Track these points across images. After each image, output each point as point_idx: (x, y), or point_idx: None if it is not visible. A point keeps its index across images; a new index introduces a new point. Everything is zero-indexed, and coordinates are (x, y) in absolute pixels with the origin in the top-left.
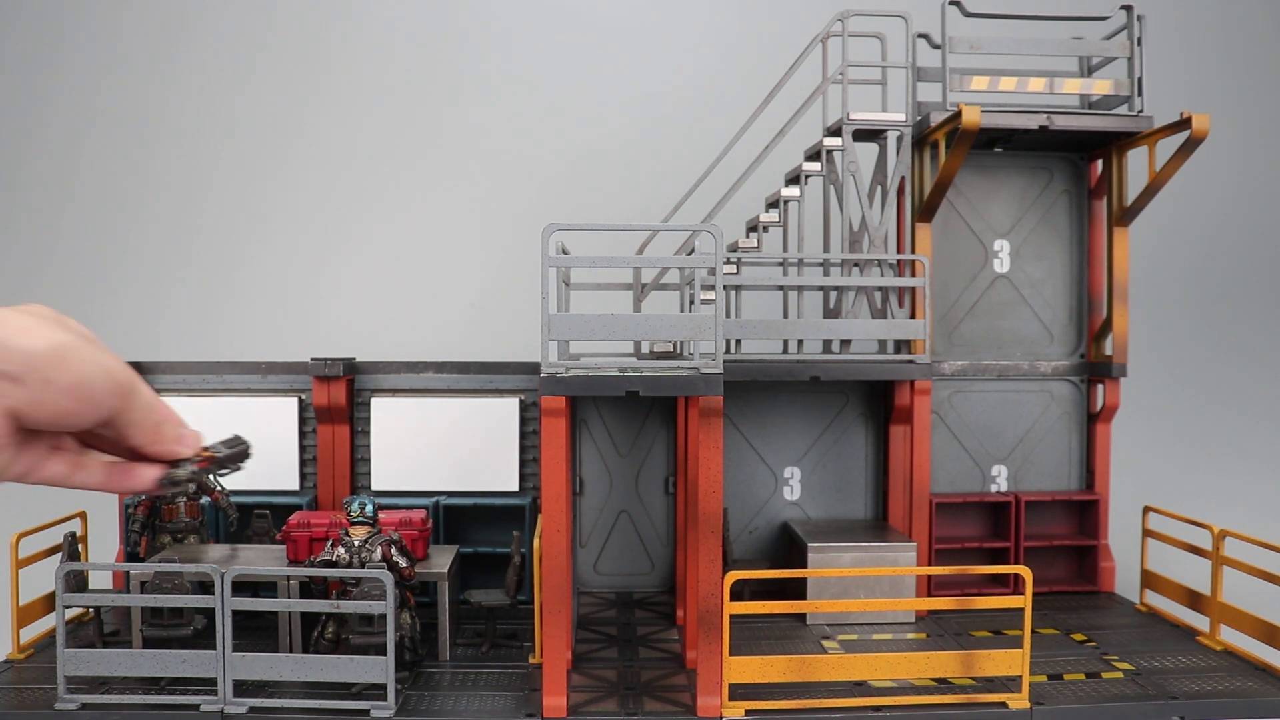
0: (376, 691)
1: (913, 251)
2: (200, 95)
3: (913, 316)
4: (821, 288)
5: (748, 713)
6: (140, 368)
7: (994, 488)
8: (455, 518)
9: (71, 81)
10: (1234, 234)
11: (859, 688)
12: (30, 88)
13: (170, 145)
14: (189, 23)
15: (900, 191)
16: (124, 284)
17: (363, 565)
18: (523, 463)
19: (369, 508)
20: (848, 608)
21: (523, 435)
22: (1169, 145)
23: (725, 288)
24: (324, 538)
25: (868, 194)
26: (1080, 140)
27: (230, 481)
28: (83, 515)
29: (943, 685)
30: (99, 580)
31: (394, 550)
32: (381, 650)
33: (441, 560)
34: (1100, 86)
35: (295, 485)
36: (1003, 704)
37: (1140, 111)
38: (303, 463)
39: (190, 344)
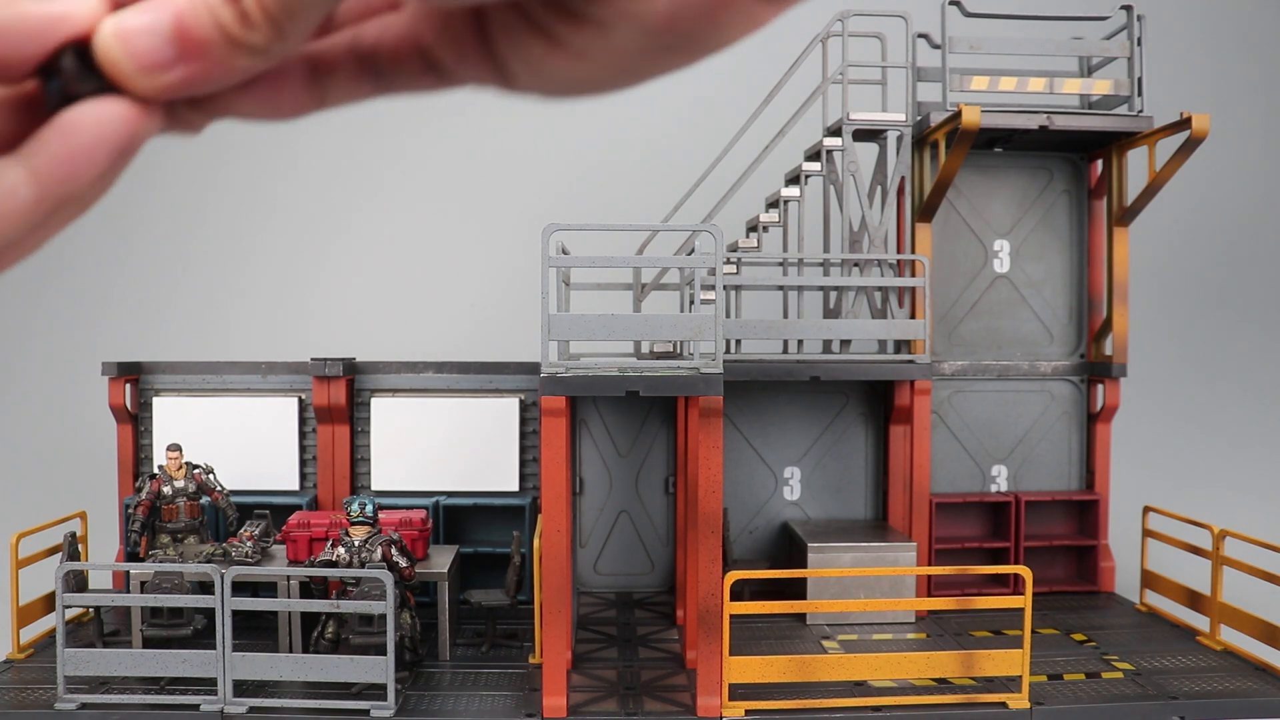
0: (376, 691)
1: (913, 251)
2: None
3: (913, 316)
4: (821, 288)
5: (748, 712)
6: (142, 368)
7: (994, 488)
8: (455, 518)
9: None
10: (1234, 234)
11: (859, 688)
12: None
13: (173, 148)
14: None
15: (900, 191)
16: (127, 285)
17: (363, 565)
18: (523, 463)
19: (369, 508)
20: (848, 608)
21: (523, 435)
22: (1169, 145)
23: (725, 288)
24: (324, 538)
25: (868, 194)
26: (1080, 140)
27: (230, 481)
28: (83, 515)
29: (943, 685)
30: (99, 580)
31: (394, 550)
32: (381, 650)
33: (441, 560)
34: (1100, 86)
35: (295, 485)
36: (1003, 704)
37: (1140, 111)
38: (303, 463)
39: (192, 344)
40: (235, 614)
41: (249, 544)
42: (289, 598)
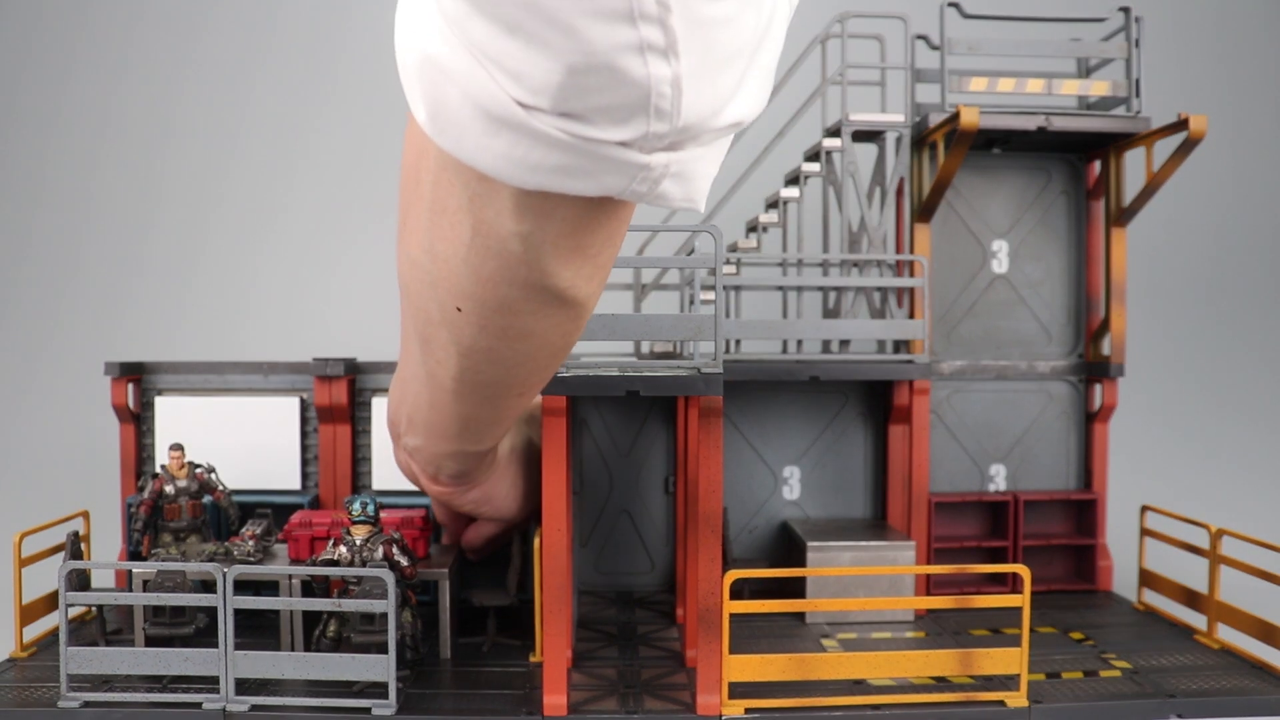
0: (378, 689)
1: (911, 252)
2: (208, 100)
3: (911, 316)
4: (821, 288)
5: (747, 711)
6: (144, 368)
7: (992, 487)
8: None
9: (83, 90)
10: (1231, 234)
11: (858, 686)
12: (44, 97)
13: (177, 149)
14: (197, 30)
15: (899, 192)
16: (131, 285)
17: (364, 564)
18: None
19: (370, 507)
20: (847, 606)
21: None
22: (1166, 146)
23: (725, 288)
24: (326, 537)
25: (867, 195)
26: (1078, 141)
27: (232, 481)
28: (85, 514)
29: (941, 684)
30: (101, 579)
31: (395, 549)
32: (383, 649)
33: (443, 559)
34: (1098, 88)
35: (297, 485)
36: (1001, 702)
37: (1138, 112)
38: (304, 462)
39: (195, 344)
40: (237, 613)
41: (251, 543)
42: (291, 596)
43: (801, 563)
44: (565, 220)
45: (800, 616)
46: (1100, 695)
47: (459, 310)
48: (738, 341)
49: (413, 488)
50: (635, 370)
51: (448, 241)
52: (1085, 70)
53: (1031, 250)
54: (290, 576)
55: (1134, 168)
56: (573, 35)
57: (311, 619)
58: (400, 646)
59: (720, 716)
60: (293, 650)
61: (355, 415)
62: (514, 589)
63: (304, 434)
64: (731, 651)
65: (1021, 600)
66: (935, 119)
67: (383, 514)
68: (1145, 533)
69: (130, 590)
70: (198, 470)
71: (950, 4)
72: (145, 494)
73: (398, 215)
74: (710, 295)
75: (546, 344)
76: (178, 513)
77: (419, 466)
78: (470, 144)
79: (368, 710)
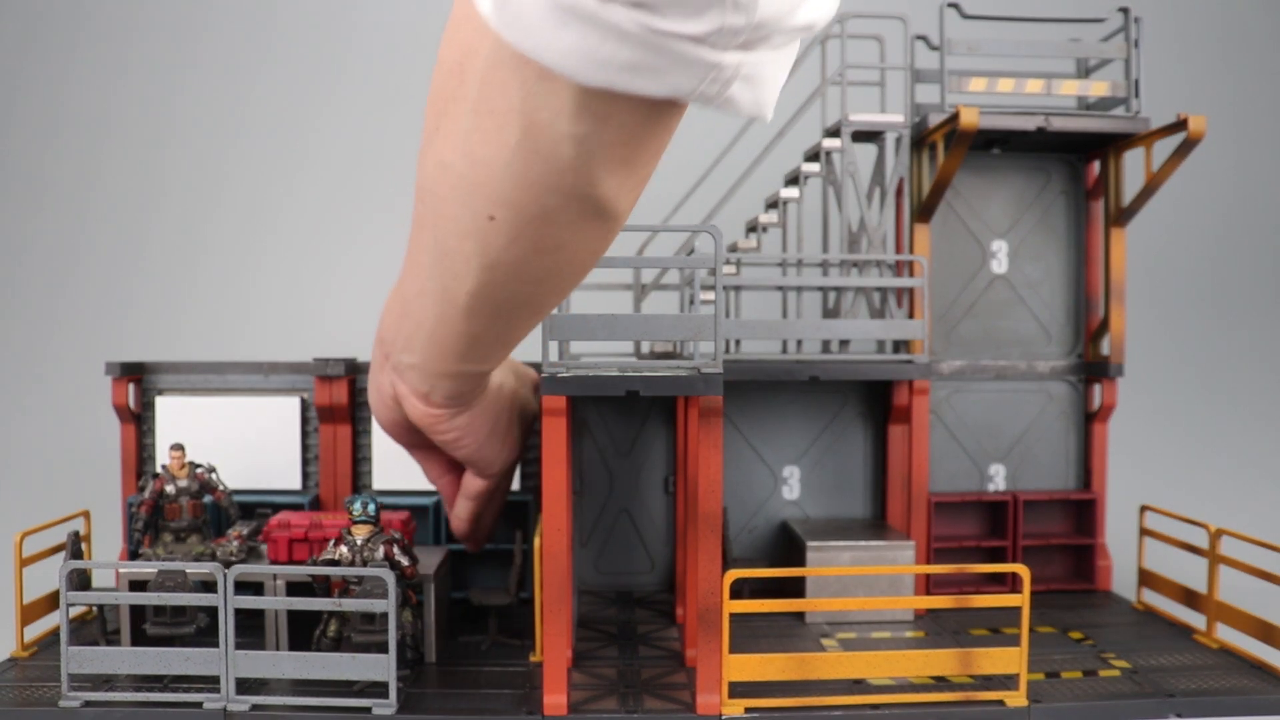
0: (378, 689)
1: (911, 252)
2: (208, 98)
3: (911, 317)
4: (820, 288)
5: (747, 710)
6: (145, 368)
7: (992, 487)
8: None
9: (83, 89)
10: (1230, 235)
11: (857, 685)
12: (43, 96)
13: (177, 149)
14: (197, 28)
15: (899, 192)
16: (131, 285)
17: (365, 564)
18: (523, 461)
19: (371, 507)
20: (846, 606)
21: None
22: (1166, 146)
23: (725, 288)
24: (304, 539)
25: (866, 195)
26: (1077, 141)
27: (233, 481)
28: (86, 514)
29: (941, 683)
30: (102, 578)
31: (396, 549)
32: (383, 648)
33: (430, 561)
34: (1097, 88)
35: (298, 484)
36: (1000, 702)
37: (1137, 113)
38: (305, 462)
39: (197, 344)
40: (237, 612)
41: (235, 544)
42: (275, 596)
43: (801, 562)
44: (623, 126)
45: (800, 616)
46: (1099, 695)
47: (491, 219)
48: (738, 341)
49: (414, 488)
50: (635, 370)
51: (491, 145)
52: (1085, 70)
53: (1031, 250)
54: (275, 577)
55: (1133, 168)
56: None
57: (311, 619)
58: (400, 646)
59: (720, 716)
60: (278, 650)
61: (356, 415)
62: (514, 589)
63: (304, 434)
64: (731, 651)
65: (1021, 600)
66: (935, 119)
67: (382, 514)
68: (1144, 532)
69: (131, 590)
70: (198, 470)
71: (950, 4)
72: (146, 494)
73: (425, 120)
74: (710, 295)
75: (574, 258)
76: (178, 512)
77: (409, 386)
78: (538, 37)
79: (368, 710)
